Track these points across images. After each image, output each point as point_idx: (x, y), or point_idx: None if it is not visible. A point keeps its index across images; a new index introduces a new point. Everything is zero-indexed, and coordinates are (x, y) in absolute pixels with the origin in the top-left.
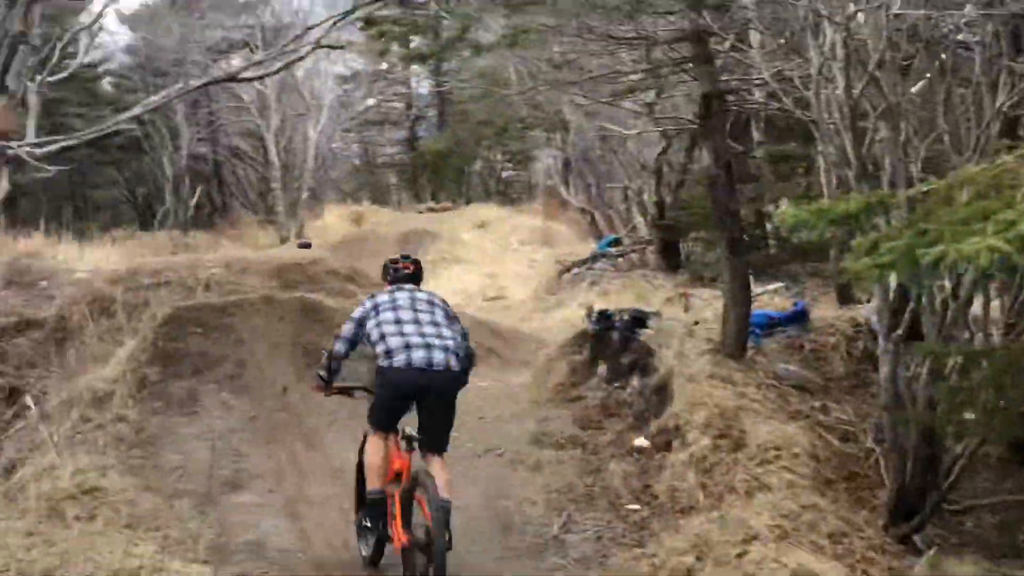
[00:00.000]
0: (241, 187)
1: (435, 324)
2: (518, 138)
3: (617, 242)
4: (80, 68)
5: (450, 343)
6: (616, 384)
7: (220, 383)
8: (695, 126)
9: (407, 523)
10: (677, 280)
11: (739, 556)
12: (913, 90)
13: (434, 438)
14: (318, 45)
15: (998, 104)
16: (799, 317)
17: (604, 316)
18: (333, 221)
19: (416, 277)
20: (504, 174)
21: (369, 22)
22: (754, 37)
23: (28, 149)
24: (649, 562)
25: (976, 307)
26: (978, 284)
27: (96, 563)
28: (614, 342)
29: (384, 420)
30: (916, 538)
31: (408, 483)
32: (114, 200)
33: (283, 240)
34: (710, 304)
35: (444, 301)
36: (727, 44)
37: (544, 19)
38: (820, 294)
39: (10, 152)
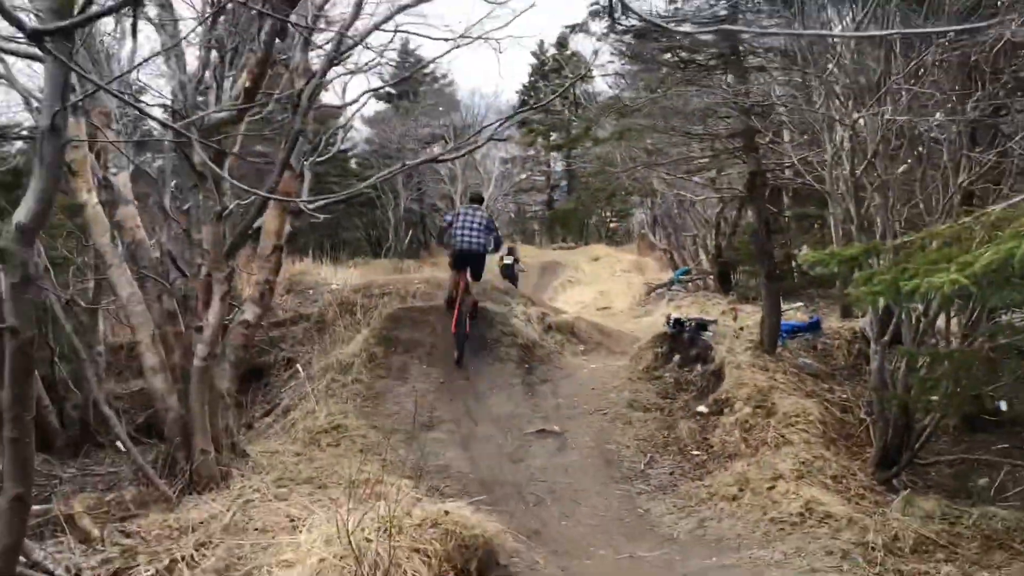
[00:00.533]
0: (436, 230)
1: (473, 229)
2: (622, 201)
3: (688, 272)
4: (337, 152)
5: (478, 238)
6: (686, 368)
7: (421, 359)
8: (744, 194)
9: (460, 321)
10: (729, 299)
11: (769, 489)
12: (899, 171)
13: (473, 276)
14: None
15: (959, 181)
16: (814, 326)
17: (678, 322)
18: (491, 257)
19: (477, 200)
20: (611, 224)
21: (524, 123)
22: (786, 133)
23: (303, 204)
24: (707, 490)
25: (940, 322)
26: (942, 306)
27: (340, 475)
28: (685, 340)
29: (454, 266)
30: (895, 482)
31: (461, 295)
32: (356, 238)
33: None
34: (752, 316)
35: (485, 217)
36: (767, 138)
37: (642, 121)
38: (829, 311)
39: (292, 207)
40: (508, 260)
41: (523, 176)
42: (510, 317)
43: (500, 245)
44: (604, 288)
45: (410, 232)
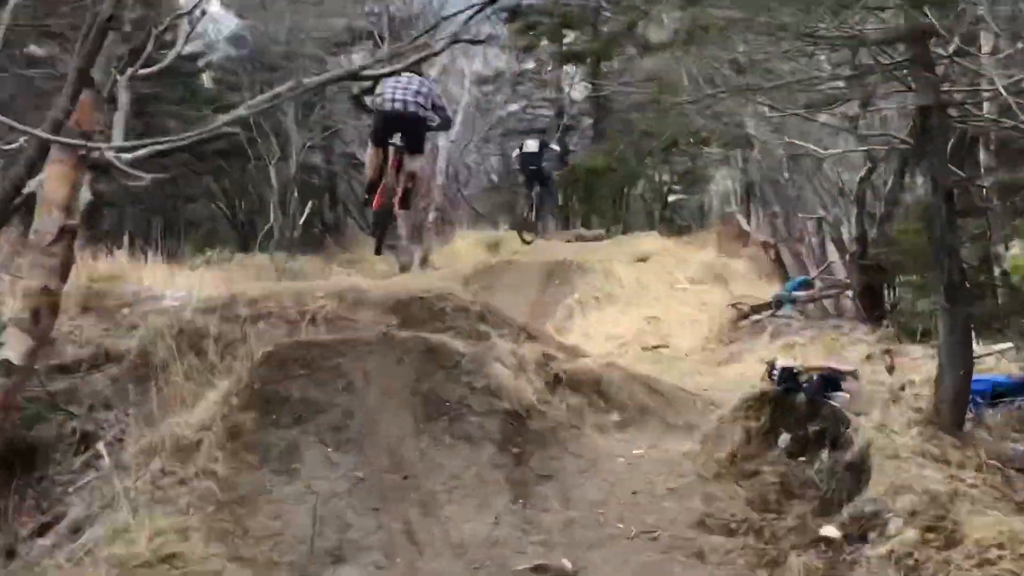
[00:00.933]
0: (358, 204)
1: (408, 91)
2: (690, 155)
3: (807, 284)
4: (177, 60)
5: (413, 98)
6: (801, 458)
7: (325, 436)
8: (908, 146)
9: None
10: (880, 333)
11: None
12: None
13: (409, 148)
14: (454, 40)
15: None
16: None
17: (789, 374)
18: (465, 248)
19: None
20: (670, 198)
21: (515, 13)
22: (985, 39)
23: (114, 153)
24: None
25: None
26: None
27: None
28: (800, 407)
29: (378, 137)
30: None
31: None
32: (210, 216)
33: (403, 268)
34: (920, 364)
35: (428, 87)
36: (951, 47)
37: (728, 12)
38: None
39: (94, 155)
40: (531, 146)
41: (513, 108)
42: (487, 361)
43: (449, 125)
44: (656, 311)
45: (307, 206)
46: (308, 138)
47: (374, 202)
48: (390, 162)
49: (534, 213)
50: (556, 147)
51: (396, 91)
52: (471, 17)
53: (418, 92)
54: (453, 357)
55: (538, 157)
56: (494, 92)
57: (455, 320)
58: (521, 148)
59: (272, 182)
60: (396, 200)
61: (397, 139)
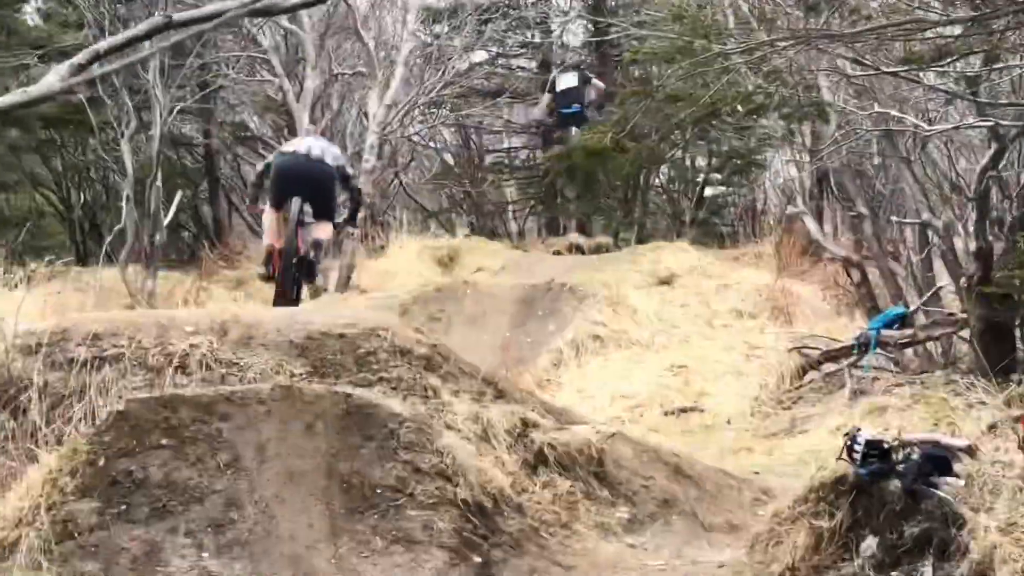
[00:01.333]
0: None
1: (313, 147)
2: (736, 130)
3: (904, 320)
4: None
5: (319, 153)
6: (893, 573)
7: (200, 536)
8: None
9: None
10: (1010, 392)
11: None
12: None
13: (317, 213)
14: None
15: None
16: None
17: (877, 451)
18: (406, 261)
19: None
20: (707, 192)
21: None
22: None
23: None
24: None
25: None
26: None
27: None
28: (893, 498)
29: (277, 200)
30: None
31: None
32: (34, 211)
33: (315, 291)
34: None
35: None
36: None
37: None
38: None
39: None
40: (569, 81)
41: (479, 58)
42: (437, 429)
43: (359, 206)
44: (686, 358)
45: (176, 198)
46: (178, 99)
47: (274, 270)
48: (294, 239)
49: None
50: (600, 83)
51: (297, 148)
52: None
53: (322, 149)
54: (387, 423)
55: (579, 94)
56: (450, 34)
57: (390, 368)
58: (552, 86)
59: (125, 163)
60: (301, 272)
61: (301, 207)
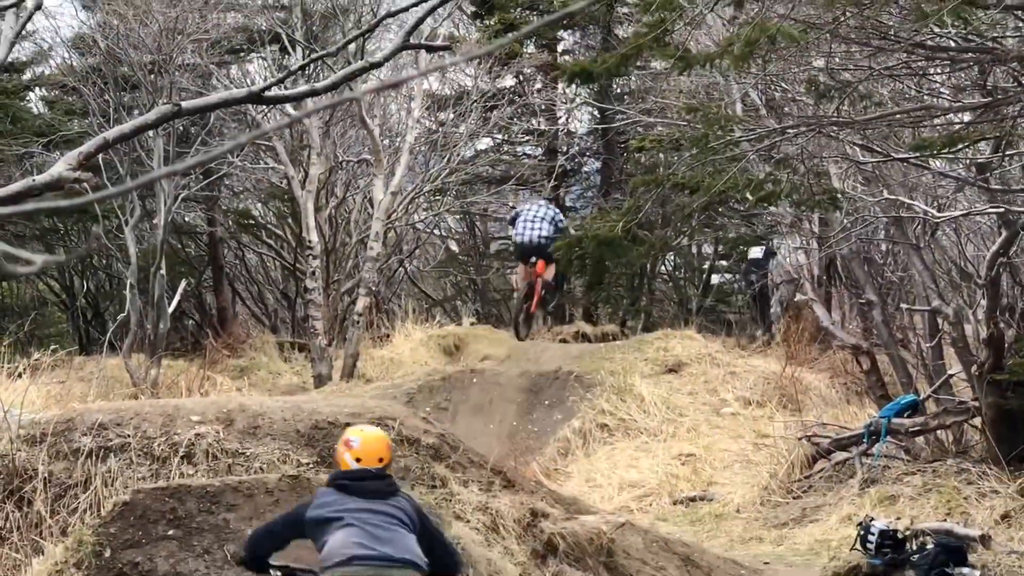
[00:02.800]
0: (252, 285)
1: (536, 219)
2: (744, 217)
3: (915, 408)
4: None
5: (539, 228)
6: None
7: None
8: None
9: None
10: (1022, 481)
11: None
12: None
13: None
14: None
15: None
16: None
17: (891, 541)
18: (411, 349)
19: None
20: (714, 279)
21: (488, 7)
22: None
23: None
24: None
25: None
26: None
27: None
28: None
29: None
30: None
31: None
32: (37, 300)
33: (320, 380)
34: None
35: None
36: None
37: (805, 10)
38: None
39: None
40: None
41: (484, 146)
42: (445, 519)
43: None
44: (694, 446)
45: (180, 287)
46: (182, 187)
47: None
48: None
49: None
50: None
51: (525, 224)
52: (428, 14)
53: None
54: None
55: (759, 266)
56: (455, 121)
57: (398, 458)
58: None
59: (129, 251)
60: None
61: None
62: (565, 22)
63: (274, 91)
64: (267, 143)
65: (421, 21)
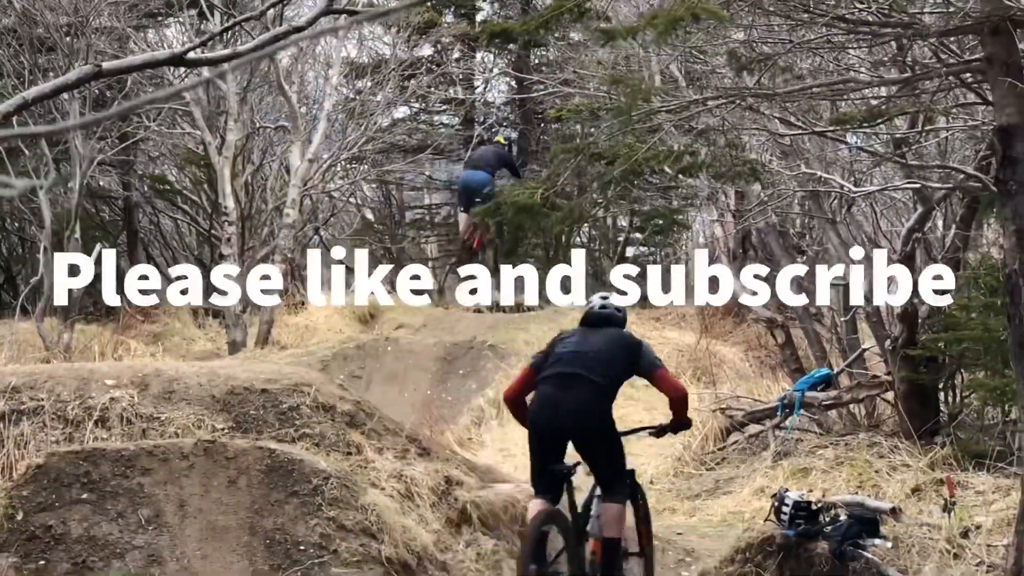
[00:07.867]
0: (168, 250)
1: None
2: (662, 188)
3: (829, 382)
4: None
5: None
6: None
7: None
8: (980, 183)
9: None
10: (933, 454)
11: None
12: None
13: None
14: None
15: None
16: None
17: (804, 513)
18: (325, 317)
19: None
20: (629, 251)
21: None
22: None
23: None
24: None
25: None
26: None
27: None
28: (820, 559)
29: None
30: None
31: None
32: None
33: (234, 345)
34: (992, 500)
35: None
36: None
37: None
38: None
39: None
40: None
41: (401, 114)
42: (361, 486)
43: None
44: None
45: (95, 251)
46: (97, 151)
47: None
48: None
49: None
50: None
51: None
52: None
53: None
54: (311, 479)
55: None
56: (373, 89)
57: (314, 424)
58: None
59: (43, 215)
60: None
61: None
62: None
63: (196, 54)
64: (184, 107)
65: None
